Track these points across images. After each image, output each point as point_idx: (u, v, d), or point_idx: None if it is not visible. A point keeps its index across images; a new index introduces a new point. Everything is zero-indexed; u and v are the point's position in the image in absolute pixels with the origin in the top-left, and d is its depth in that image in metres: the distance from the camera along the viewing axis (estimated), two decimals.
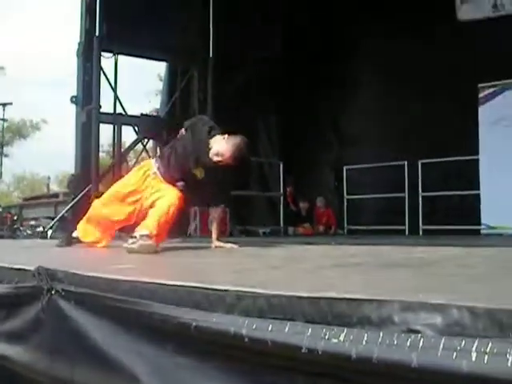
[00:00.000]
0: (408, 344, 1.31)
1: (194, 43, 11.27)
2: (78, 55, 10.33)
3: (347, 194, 12.48)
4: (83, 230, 5.53)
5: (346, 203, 12.52)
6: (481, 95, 10.35)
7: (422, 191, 11.21)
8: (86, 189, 9.76)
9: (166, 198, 4.84)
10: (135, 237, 4.55)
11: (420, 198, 11.23)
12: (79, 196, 9.72)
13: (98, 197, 5.96)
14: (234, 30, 11.21)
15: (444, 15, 11.02)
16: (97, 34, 10.22)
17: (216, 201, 5.32)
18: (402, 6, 11.10)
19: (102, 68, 10.34)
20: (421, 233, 11.11)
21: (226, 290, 1.77)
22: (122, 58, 11.12)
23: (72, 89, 10.40)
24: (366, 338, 1.36)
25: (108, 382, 2.01)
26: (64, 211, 10.11)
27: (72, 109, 10.33)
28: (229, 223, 10.02)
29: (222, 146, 4.91)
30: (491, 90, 10.29)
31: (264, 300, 1.65)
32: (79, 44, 10.33)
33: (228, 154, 4.87)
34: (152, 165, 5.21)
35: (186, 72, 11.67)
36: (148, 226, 4.66)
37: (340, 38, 12.37)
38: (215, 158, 4.91)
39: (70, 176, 10.67)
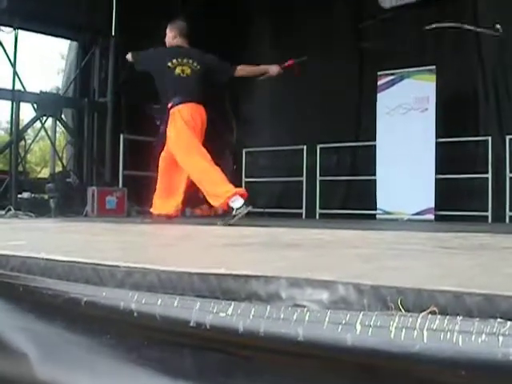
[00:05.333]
0: (294, 318, 1.34)
1: (97, 21, 11.02)
2: None
3: (246, 176, 12.48)
4: None
5: (244, 186, 12.49)
6: (380, 82, 10.51)
7: (320, 175, 11.32)
8: None
9: None
10: None
11: (318, 183, 11.34)
12: None
13: None
14: (138, 8, 11.05)
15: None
16: None
17: None
18: None
19: (1, 43, 10.00)
20: (317, 216, 11.23)
21: (116, 266, 1.76)
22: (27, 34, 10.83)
23: None
24: (253, 312, 1.39)
25: None
26: None
27: None
28: (126, 204, 9.92)
29: None
30: (390, 77, 10.46)
31: (154, 275, 1.66)
32: None
33: None
34: None
35: (88, 50, 11.42)
36: None
37: (235, 17, 12.42)
38: None
39: None
